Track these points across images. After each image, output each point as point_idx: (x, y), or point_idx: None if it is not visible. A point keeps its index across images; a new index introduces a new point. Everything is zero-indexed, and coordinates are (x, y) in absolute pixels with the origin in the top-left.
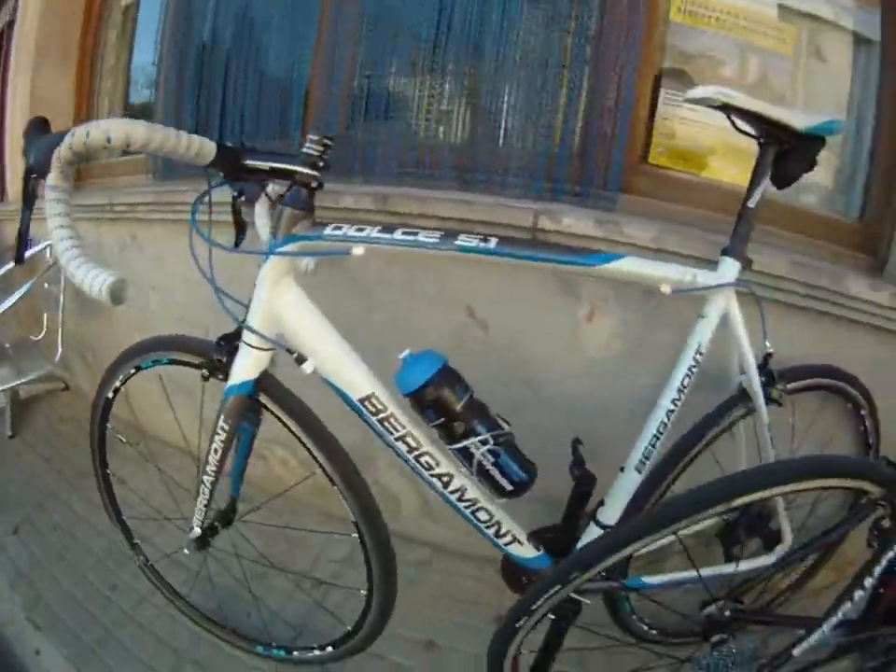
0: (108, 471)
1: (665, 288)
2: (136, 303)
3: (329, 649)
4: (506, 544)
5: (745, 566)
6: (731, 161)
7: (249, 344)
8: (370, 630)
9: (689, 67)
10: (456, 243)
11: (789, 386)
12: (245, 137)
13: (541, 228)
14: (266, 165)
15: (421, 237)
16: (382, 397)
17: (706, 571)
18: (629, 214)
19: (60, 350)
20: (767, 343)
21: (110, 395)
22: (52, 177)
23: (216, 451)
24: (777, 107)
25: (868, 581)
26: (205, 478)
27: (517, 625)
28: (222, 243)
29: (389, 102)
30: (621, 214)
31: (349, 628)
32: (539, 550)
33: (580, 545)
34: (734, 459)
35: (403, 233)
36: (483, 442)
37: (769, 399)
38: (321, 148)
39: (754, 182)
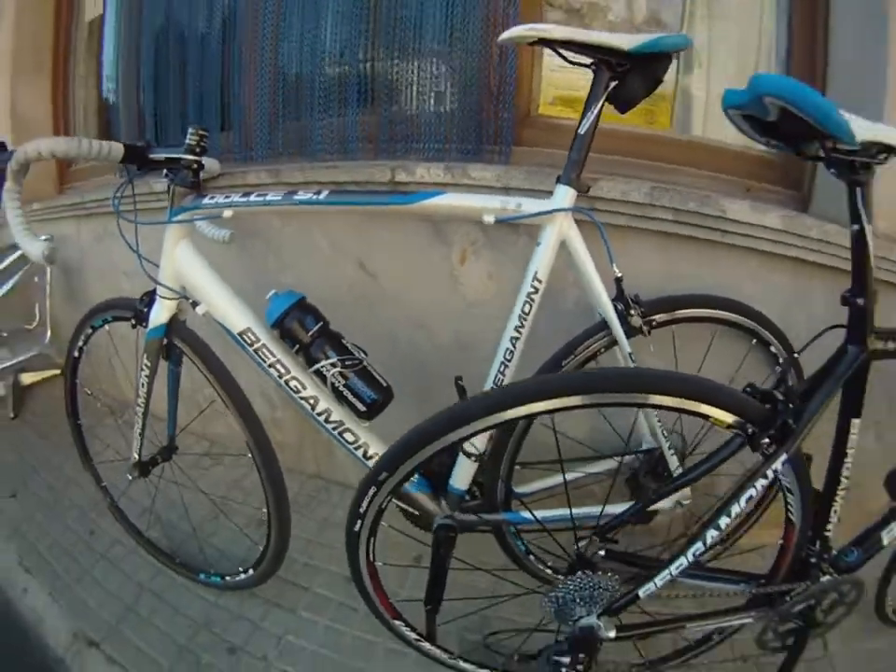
0: (79, 422)
1: (488, 218)
2: (112, 288)
3: (251, 571)
4: None
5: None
6: None
7: (161, 296)
8: (274, 549)
9: (573, 18)
10: (295, 198)
11: (659, 317)
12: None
13: (399, 181)
14: (162, 156)
15: (269, 197)
16: (256, 330)
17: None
18: (520, 165)
19: (48, 333)
20: (615, 268)
21: (76, 354)
22: (8, 184)
23: (142, 385)
24: (599, 33)
25: (724, 521)
26: (137, 409)
27: (356, 530)
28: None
29: (305, 98)
30: (506, 165)
31: (260, 548)
32: None
33: (454, 473)
34: None
35: (256, 196)
36: (333, 365)
37: (630, 328)
38: (197, 138)
39: (586, 108)
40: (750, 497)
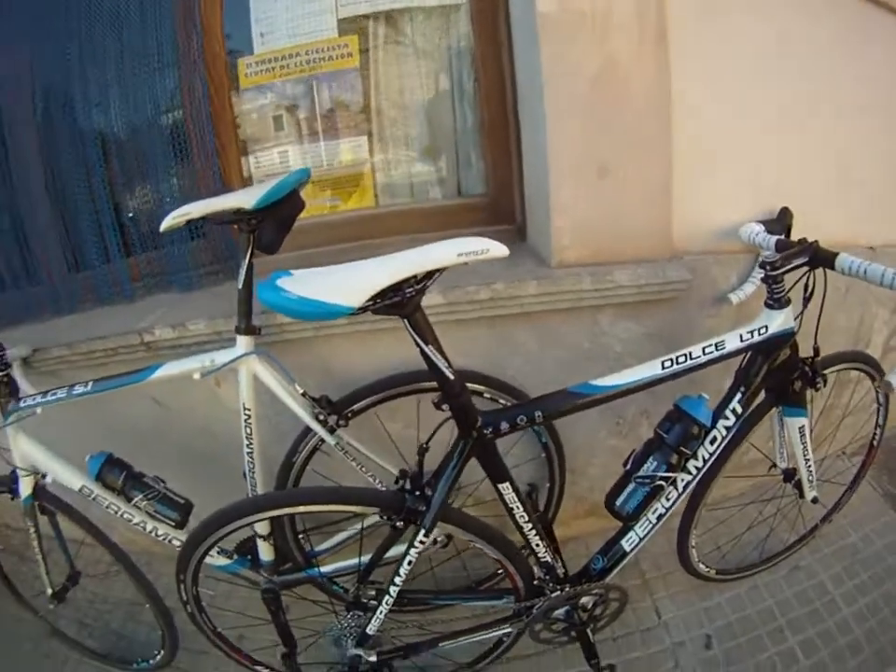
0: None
1: (197, 376)
2: None
3: (162, 651)
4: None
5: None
6: (336, 193)
7: (20, 475)
8: (168, 633)
9: (267, 125)
10: (74, 392)
11: (356, 406)
12: None
13: (147, 342)
14: None
15: (58, 395)
16: (88, 485)
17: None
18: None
19: None
20: (297, 387)
21: None
22: None
23: (32, 539)
24: (225, 198)
25: (395, 587)
26: (36, 557)
27: (189, 612)
28: None
29: (87, 249)
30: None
31: (160, 632)
32: (230, 558)
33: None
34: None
35: (51, 395)
36: (142, 500)
37: (329, 426)
38: None
39: (239, 266)
40: (410, 563)
